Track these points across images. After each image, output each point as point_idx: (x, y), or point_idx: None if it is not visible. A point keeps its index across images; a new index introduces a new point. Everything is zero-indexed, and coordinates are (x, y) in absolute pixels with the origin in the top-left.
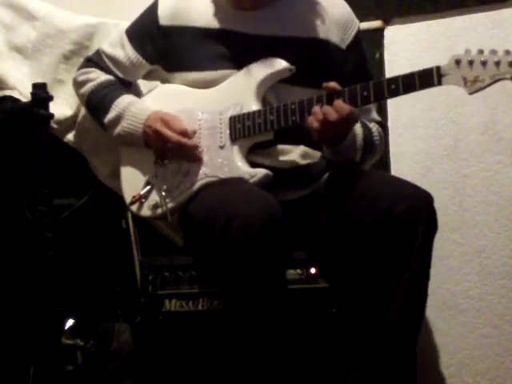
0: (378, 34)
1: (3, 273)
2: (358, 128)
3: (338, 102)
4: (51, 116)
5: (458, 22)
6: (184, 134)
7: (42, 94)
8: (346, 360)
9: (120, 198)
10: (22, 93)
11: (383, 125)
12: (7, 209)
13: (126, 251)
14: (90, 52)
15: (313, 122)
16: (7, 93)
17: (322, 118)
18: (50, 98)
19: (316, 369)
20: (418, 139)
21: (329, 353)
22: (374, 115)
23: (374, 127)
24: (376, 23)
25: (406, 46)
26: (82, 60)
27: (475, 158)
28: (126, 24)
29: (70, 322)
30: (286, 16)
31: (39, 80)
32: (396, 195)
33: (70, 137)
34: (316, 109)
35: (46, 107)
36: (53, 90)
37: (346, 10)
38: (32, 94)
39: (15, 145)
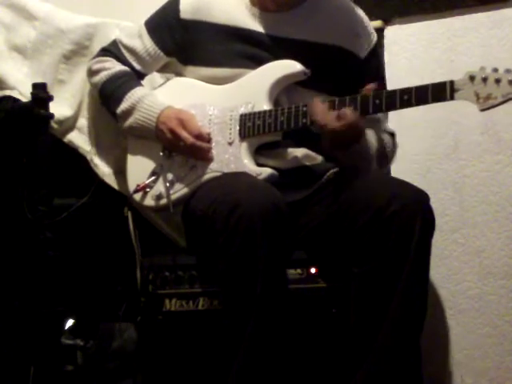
0: (378, 34)
1: (3, 273)
2: (371, 136)
3: (347, 110)
4: (51, 116)
5: (458, 22)
6: (199, 137)
7: (41, 94)
8: (346, 360)
9: (120, 197)
10: (22, 93)
11: (394, 135)
12: (7, 209)
13: (127, 251)
14: (90, 52)
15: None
16: (7, 93)
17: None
18: (50, 98)
19: (316, 369)
20: (418, 139)
21: (329, 353)
22: (386, 126)
23: (385, 138)
24: (376, 23)
25: (406, 45)
26: (82, 60)
27: (475, 158)
28: (126, 24)
29: (69, 322)
30: (308, 21)
31: (39, 80)
32: (392, 194)
33: (70, 137)
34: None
35: (46, 107)
36: (53, 90)
37: (367, 21)
38: (32, 93)
39: (15, 145)
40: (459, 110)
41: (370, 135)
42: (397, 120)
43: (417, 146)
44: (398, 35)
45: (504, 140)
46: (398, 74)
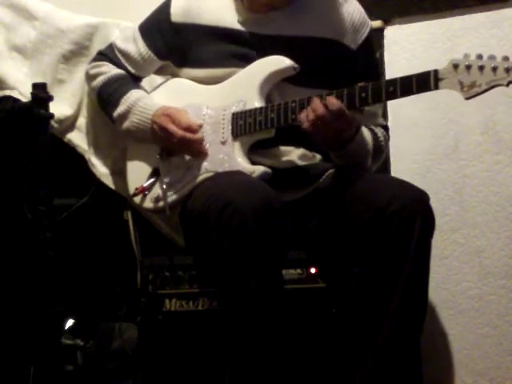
0: (378, 34)
1: (3, 273)
2: (367, 135)
3: (329, 98)
4: (51, 116)
5: (458, 21)
6: (189, 128)
7: (41, 94)
8: (346, 360)
9: (120, 197)
10: (22, 93)
11: (387, 128)
12: (7, 209)
13: (127, 251)
14: (90, 52)
15: (304, 121)
16: (7, 93)
17: (314, 117)
18: (50, 98)
19: (316, 369)
20: (418, 139)
21: (329, 353)
22: (380, 119)
23: (379, 131)
24: (376, 23)
25: (405, 46)
26: (82, 60)
27: (475, 158)
28: (127, 24)
29: (69, 322)
30: (297, 17)
31: (39, 80)
32: (392, 194)
33: (70, 136)
34: (308, 108)
35: (46, 107)
36: (53, 90)
37: (359, 10)
38: (32, 93)
39: (15, 145)
40: (459, 110)
41: (366, 133)
42: (397, 120)
43: (417, 146)
44: (398, 35)
45: (504, 140)
46: (398, 74)
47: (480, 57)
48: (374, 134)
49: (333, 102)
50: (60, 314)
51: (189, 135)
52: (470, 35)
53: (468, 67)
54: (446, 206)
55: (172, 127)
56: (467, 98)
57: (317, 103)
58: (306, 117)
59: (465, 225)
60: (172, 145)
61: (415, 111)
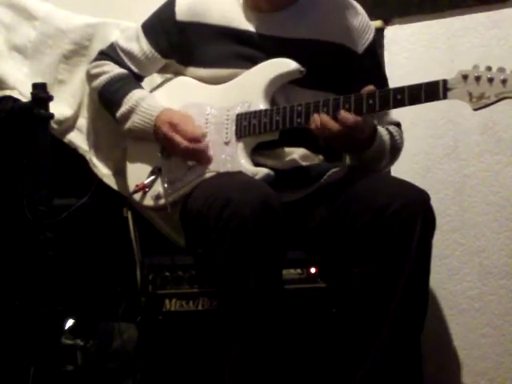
0: (378, 34)
1: (3, 273)
2: (385, 137)
3: (343, 113)
4: (51, 116)
5: (458, 22)
6: (193, 139)
7: (41, 93)
8: (346, 360)
9: (120, 197)
10: (22, 93)
11: (400, 125)
12: (7, 209)
13: (126, 251)
14: (90, 52)
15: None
16: (7, 93)
17: (321, 128)
18: (50, 98)
19: (316, 369)
20: (418, 139)
21: (329, 353)
22: (392, 117)
23: (394, 130)
24: (376, 23)
25: (406, 45)
26: (82, 60)
27: (475, 158)
28: (127, 24)
29: (70, 322)
30: (302, 19)
31: (39, 80)
32: (392, 193)
33: (70, 137)
34: (316, 118)
35: (46, 107)
36: (53, 90)
37: (363, 14)
38: (32, 93)
39: (15, 145)
40: (459, 109)
41: (384, 135)
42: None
43: (416, 145)
44: (398, 35)
45: (504, 140)
46: (398, 74)
47: (489, 68)
48: (391, 134)
49: (348, 117)
50: (60, 314)
51: (194, 146)
52: (470, 35)
53: (477, 78)
54: (446, 206)
55: (177, 138)
56: (475, 109)
57: (331, 124)
58: (319, 130)
59: (465, 225)
60: (175, 151)
61: (415, 111)
